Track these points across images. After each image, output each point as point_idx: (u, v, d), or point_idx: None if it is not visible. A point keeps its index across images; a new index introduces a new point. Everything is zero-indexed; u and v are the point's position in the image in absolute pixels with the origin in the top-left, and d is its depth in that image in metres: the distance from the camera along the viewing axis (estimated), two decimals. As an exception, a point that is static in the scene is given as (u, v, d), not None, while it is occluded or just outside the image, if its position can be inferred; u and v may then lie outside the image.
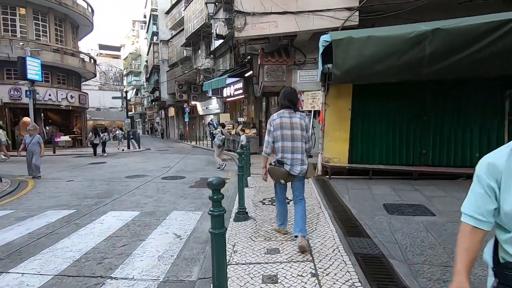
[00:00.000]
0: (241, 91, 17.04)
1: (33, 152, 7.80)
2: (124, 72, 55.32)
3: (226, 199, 5.38)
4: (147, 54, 32.95)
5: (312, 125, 9.34)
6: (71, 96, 18.41)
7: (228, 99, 19.02)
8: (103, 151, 14.23)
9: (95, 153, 13.92)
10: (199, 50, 22.42)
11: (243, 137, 9.75)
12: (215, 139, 9.25)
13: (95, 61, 21.20)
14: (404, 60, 5.34)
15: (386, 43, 5.38)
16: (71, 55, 18.46)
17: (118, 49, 44.39)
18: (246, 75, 15.38)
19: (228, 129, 15.40)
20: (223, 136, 9.26)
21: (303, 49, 9.34)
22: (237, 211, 4.17)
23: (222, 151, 9.63)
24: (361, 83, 6.58)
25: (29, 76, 13.91)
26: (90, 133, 14.23)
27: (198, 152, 15.54)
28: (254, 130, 12.82)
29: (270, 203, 4.87)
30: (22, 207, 5.02)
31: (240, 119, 14.84)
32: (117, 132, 18.68)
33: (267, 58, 9.59)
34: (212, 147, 16.91)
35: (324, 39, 5.80)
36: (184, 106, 24.29)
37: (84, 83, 37.49)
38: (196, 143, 21.15)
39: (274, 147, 3.12)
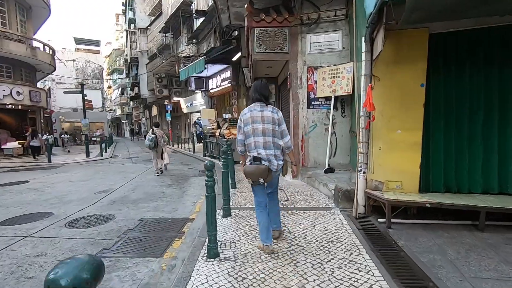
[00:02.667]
0: (228, 80, 13.61)
1: None
2: (108, 71, 51.50)
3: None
4: (126, 46, 29.25)
5: (333, 120, 5.92)
6: (17, 92, 14.76)
7: (213, 92, 15.55)
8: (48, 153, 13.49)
9: (34, 156, 13.41)
10: (180, 36, 18.89)
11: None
12: (145, 140, 8.02)
13: (53, 51, 17.53)
14: None
15: None
16: (18, 42, 14.83)
17: (97, 43, 40.47)
18: (234, 59, 11.97)
19: (213, 128, 11.93)
20: (154, 136, 7.86)
21: (315, -1, 5.89)
22: None
23: (160, 154, 8.28)
24: (466, 17, 3.16)
25: None
26: (28, 136, 13.69)
27: (174, 160, 12.05)
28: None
29: None
30: None
31: (226, 116, 11.36)
32: (63, 135, 15.46)
33: (258, 17, 6.11)
34: (194, 152, 13.45)
35: None
36: (166, 103, 20.75)
37: (58, 81, 33.91)
38: (178, 147, 17.65)
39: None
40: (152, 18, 22.73)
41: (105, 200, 5.40)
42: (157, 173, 8.16)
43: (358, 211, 3.75)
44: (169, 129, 21.74)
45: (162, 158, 8.27)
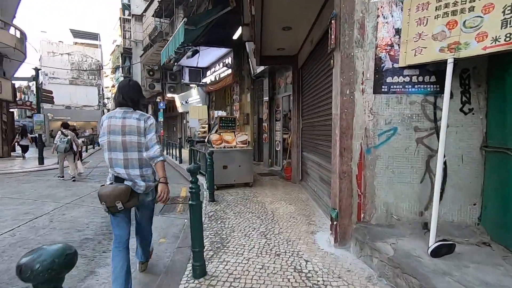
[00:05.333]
0: (229, 69, 10.33)
1: None
2: (112, 68, 49.14)
3: None
4: (122, 37, 26.40)
5: (442, 113, 2.41)
6: (-37, 79, 11.80)
7: (211, 86, 12.28)
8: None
9: (23, 156, 12.66)
10: (175, 17, 15.80)
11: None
12: (59, 144, 6.59)
13: (22, 33, 14.58)
14: None
15: None
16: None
17: (95, 37, 37.93)
18: (235, 37, 8.79)
19: (199, 131, 8.63)
20: (69, 137, 6.62)
21: None
22: None
23: (73, 158, 6.96)
24: None
25: None
26: (17, 134, 13.05)
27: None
28: (243, 137, 5.93)
29: None
30: None
31: (219, 113, 8.03)
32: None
33: None
34: (181, 161, 10.16)
35: None
36: (158, 100, 17.64)
37: (51, 76, 31.29)
38: (168, 153, 14.40)
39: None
40: (148, 3, 19.76)
41: None
42: (61, 176, 7.17)
43: None
44: (161, 131, 18.55)
45: (75, 161, 7.19)
